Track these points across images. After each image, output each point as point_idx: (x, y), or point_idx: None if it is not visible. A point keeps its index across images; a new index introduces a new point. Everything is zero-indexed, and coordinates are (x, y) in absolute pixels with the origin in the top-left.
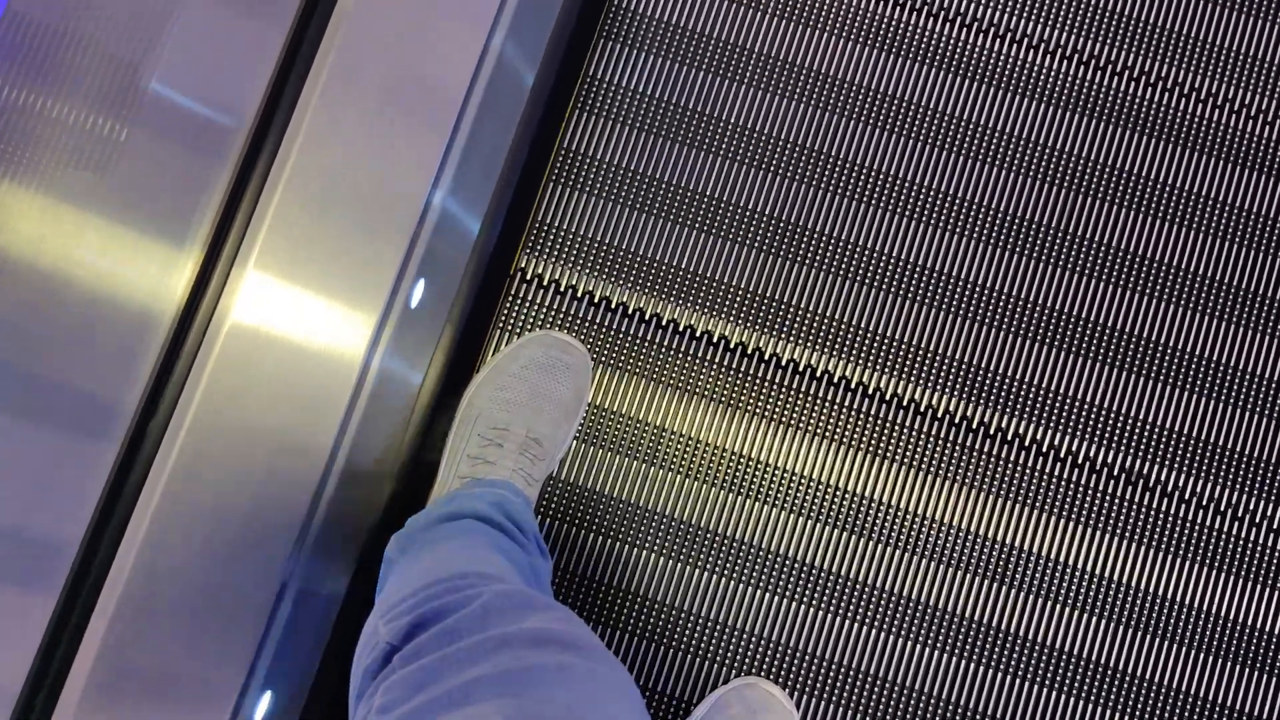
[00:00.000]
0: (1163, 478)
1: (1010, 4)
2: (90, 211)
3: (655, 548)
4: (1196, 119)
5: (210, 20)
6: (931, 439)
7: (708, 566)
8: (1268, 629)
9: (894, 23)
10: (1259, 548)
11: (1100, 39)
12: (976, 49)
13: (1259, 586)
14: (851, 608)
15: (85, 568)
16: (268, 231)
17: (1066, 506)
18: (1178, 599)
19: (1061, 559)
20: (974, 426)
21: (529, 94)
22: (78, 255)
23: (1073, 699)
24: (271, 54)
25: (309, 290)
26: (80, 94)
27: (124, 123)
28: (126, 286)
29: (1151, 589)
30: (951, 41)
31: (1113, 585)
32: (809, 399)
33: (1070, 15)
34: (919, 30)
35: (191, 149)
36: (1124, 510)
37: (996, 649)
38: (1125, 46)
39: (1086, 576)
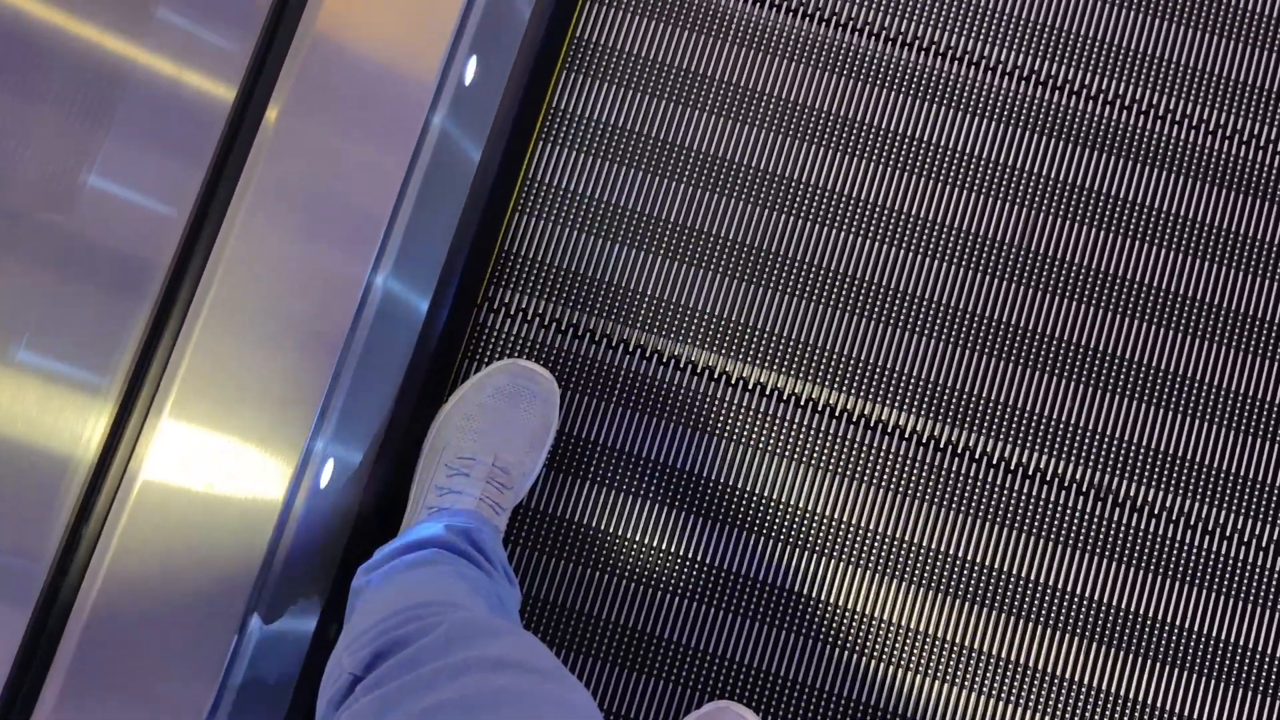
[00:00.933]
0: (1147, 497)
1: (973, 30)
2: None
3: (626, 574)
4: (1162, 138)
5: (125, 159)
6: (904, 461)
7: (679, 591)
8: (1243, 643)
9: (855, 49)
10: (1237, 563)
11: (1067, 62)
12: (939, 74)
13: (1242, 604)
14: (824, 631)
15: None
16: (187, 369)
17: (1046, 528)
18: (1157, 617)
19: (1041, 580)
20: (942, 446)
21: (491, 128)
22: None
23: (1048, 719)
24: (191, 190)
25: (233, 423)
26: None
27: (40, 263)
28: (41, 433)
29: (1132, 608)
30: (914, 67)
31: (1092, 605)
32: (778, 422)
33: (1034, 40)
34: (881, 56)
35: (108, 289)
36: (1104, 530)
37: (972, 671)
38: (1093, 69)
39: (1066, 597)
